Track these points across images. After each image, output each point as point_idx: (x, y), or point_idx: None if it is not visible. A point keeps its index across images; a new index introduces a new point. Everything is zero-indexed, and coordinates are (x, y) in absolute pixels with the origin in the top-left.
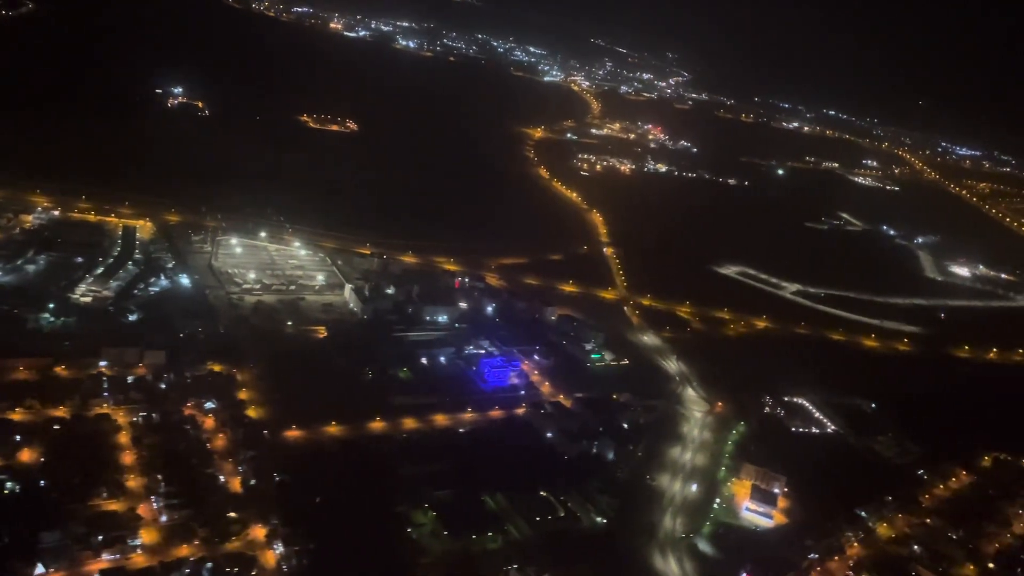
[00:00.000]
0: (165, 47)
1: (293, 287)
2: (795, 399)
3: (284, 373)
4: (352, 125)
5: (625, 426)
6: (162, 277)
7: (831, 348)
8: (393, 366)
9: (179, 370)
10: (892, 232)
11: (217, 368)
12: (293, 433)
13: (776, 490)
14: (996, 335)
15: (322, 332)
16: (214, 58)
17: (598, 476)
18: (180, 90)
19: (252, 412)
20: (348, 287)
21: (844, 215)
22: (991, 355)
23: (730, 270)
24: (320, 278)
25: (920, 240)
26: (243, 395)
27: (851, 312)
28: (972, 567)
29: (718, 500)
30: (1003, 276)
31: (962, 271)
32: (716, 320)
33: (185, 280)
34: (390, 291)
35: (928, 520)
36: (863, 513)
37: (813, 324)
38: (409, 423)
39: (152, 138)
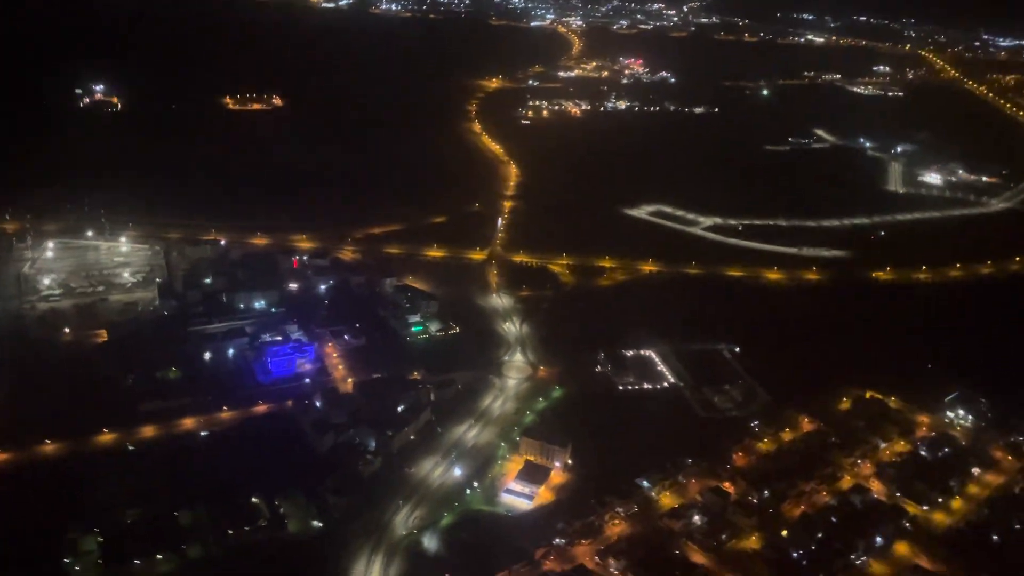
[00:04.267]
0: (99, 41)
1: (101, 288)
2: (642, 352)
3: (26, 388)
4: (277, 101)
5: (400, 409)
6: None
7: (720, 287)
8: (164, 366)
9: None
10: (868, 145)
11: None
12: None
13: (557, 465)
14: (938, 250)
15: (103, 336)
16: (158, 43)
17: (344, 470)
18: (100, 87)
19: None
20: (157, 282)
21: (818, 132)
22: (920, 275)
23: (643, 211)
24: (131, 276)
25: (898, 150)
26: None
27: (768, 243)
28: (756, 537)
29: (476, 484)
30: (984, 179)
31: (934, 180)
32: (594, 270)
33: None
34: (208, 280)
35: (727, 484)
36: (644, 483)
37: (712, 262)
38: (149, 431)
39: (36, 142)
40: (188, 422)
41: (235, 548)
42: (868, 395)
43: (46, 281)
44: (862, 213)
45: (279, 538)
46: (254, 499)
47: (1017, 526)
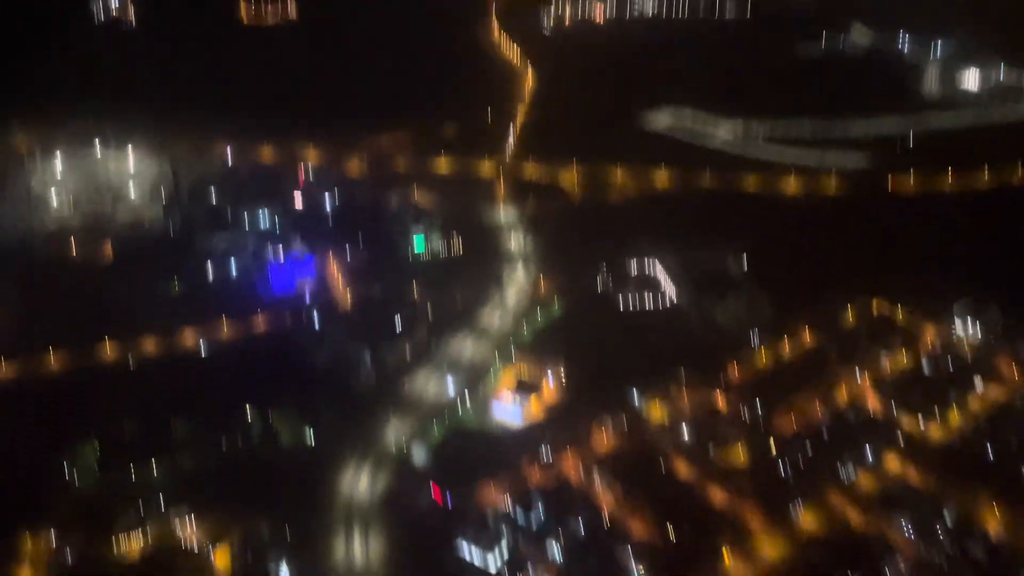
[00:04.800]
0: None
1: (109, 203)
2: (646, 265)
3: (33, 303)
4: (292, 7)
5: (396, 324)
6: None
7: (734, 197)
8: (167, 281)
9: None
10: (907, 42)
11: None
12: (3, 369)
13: (549, 380)
14: (968, 156)
15: (108, 251)
16: None
17: (338, 385)
18: (116, 2)
19: None
20: (162, 196)
21: (857, 28)
22: (947, 182)
23: (662, 119)
24: (138, 191)
25: (939, 47)
26: None
27: (789, 150)
28: (744, 451)
29: (467, 399)
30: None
31: (972, 80)
32: (604, 182)
33: None
34: (213, 194)
35: (719, 397)
36: (635, 397)
37: (728, 171)
38: (150, 345)
39: (49, 56)
40: (188, 336)
41: (227, 459)
42: (875, 305)
43: (54, 197)
44: (892, 117)
45: (270, 450)
46: (248, 412)
47: (1013, 440)
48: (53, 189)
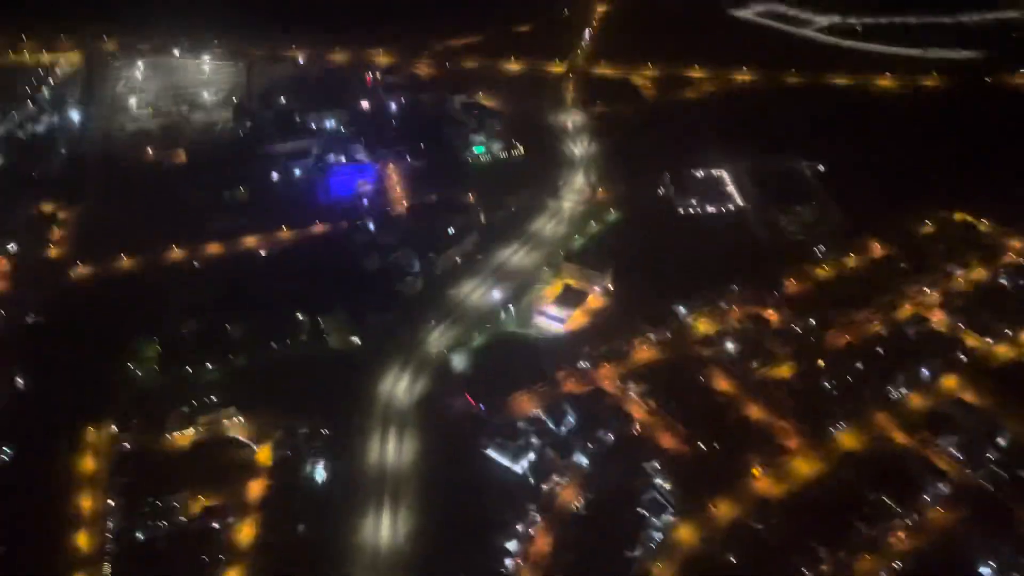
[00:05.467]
0: None
1: (185, 108)
2: (713, 172)
3: (111, 207)
4: None
5: (449, 231)
6: (55, 114)
7: (821, 97)
8: (233, 186)
9: None
10: None
11: (46, 208)
12: (81, 270)
13: (596, 289)
14: None
15: (181, 156)
16: None
17: (387, 290)
18: None
19: (52, 252)
20: (233, 101)
21: None
22: None
23: (752, 10)
24: (212, 96)
25: None
26: (55, 234)
27: (890, 44)
28: (789, 366)
29: (512, 307)
30: None
31: None
32: (681, 82)
33: (74, 115)
34: (282, 99)
35: (770, 311)
36: (681, 309)
37: (817, 68)
38: (214, 248)
39: None
40: (250, 240)
41: (277, 359)
42: (958, 217)
43: (134, 101)
44: (1012, 6)
45: (319, 352)
46: (299, 315)
47: None
48: (135, 94)
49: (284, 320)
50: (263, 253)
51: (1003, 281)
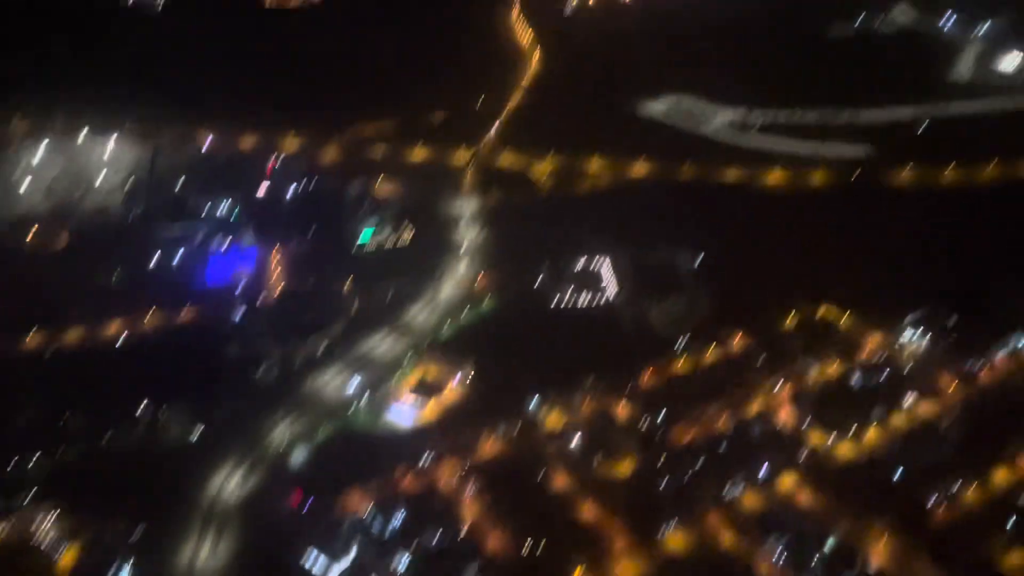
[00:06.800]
0: None
1: (79, 191)
2: (594, 262)
3: None
4: None
5: (316, 318)
6: None
7: (710, 191)
8: (110, 271)
9: None
10: (950, 21)
11: None
12: None
13: (455, 380)
14: (979, 148)
15: (64, 240)
16: None
17: (239, 379)
18: None
19: None
20: (127, 184)
21: (901, 6)
22: (948, 177)
23: (660, 105)
24: (109, 178)
25: (984, 27)
26: None
27: (786, 140)
28: (630, 463)
29: (366, 398)
30: None
31: (1012, 64)
32: (579, 173)
33: None
34: (179, 182)
35: (622, 405)
36: (535, 401)
37: (712, 163)
38: (74, 335)
39: (70, 41)
40: (113, 326)
41: (109, 453)
42: (821, 311)
43: (27, 184)
44: (909, 104)
45: (155, 445)
46: (142, 405)
47: (928, 461)
48: (29, 176)
49: (127, 410)
50: (123, 339)
51: (855, 378)
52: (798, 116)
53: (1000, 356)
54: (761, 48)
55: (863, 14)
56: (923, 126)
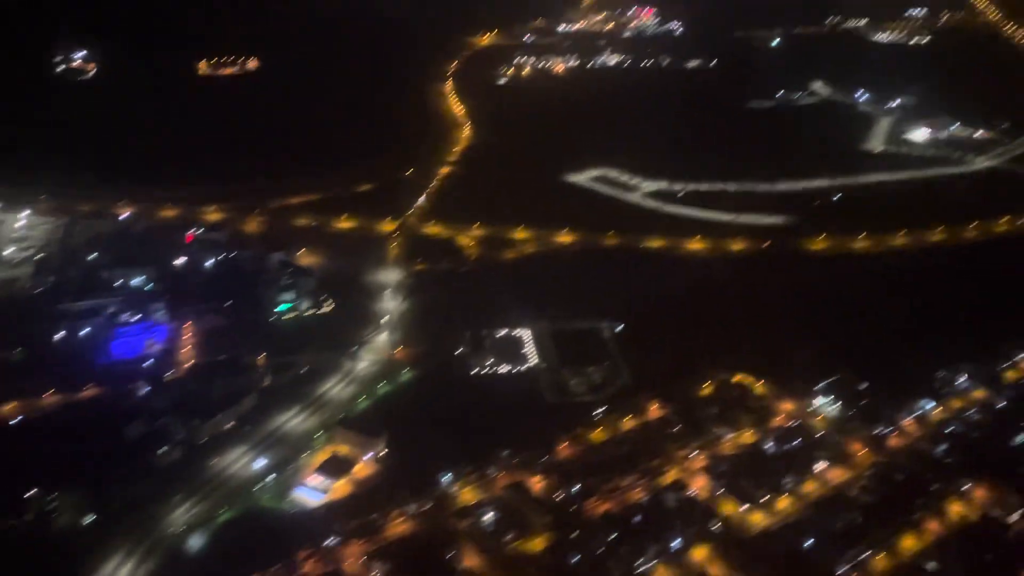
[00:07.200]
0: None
1: None
2: (515, 331)
3: None
4: (253, 64)
5: (224, 394)
6: None
7: (633, 259)
8: (12, 347)
9: None
10: (863, 98)
11: None
12: None
13: (366, 457)
14: (890, 216)
15: None
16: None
17: (140, 461)
18: (82, 53)
19: None
20: (35, 258)
21: (816, 85)
22: (860, 244)
23: (586, 176)
24: (20, 252)
25: (894, 104)
26: None
27: (707, 209)
28: (543, 538)
29: (272, 477)
30: (976, 135)
31: (921, 136)
32: (504, 242)
33: None
34: (92, 255)
35: (537, 478)
36: (447, 477)
37: (635, 231)
38: None
39: None
40: (10, 407)
41: None
42: (736, 379)
43: None
44: (825, 175)
45: (45, 532)
46: (32, 490)
47: (838, 529)
48: None
49: (10, 497)
50: (19, 419)
51: (769, 445)
52: (719, 186)
53: (908, 421)
54: (685, 121)
55: (782, 91)
56: (837, 196)
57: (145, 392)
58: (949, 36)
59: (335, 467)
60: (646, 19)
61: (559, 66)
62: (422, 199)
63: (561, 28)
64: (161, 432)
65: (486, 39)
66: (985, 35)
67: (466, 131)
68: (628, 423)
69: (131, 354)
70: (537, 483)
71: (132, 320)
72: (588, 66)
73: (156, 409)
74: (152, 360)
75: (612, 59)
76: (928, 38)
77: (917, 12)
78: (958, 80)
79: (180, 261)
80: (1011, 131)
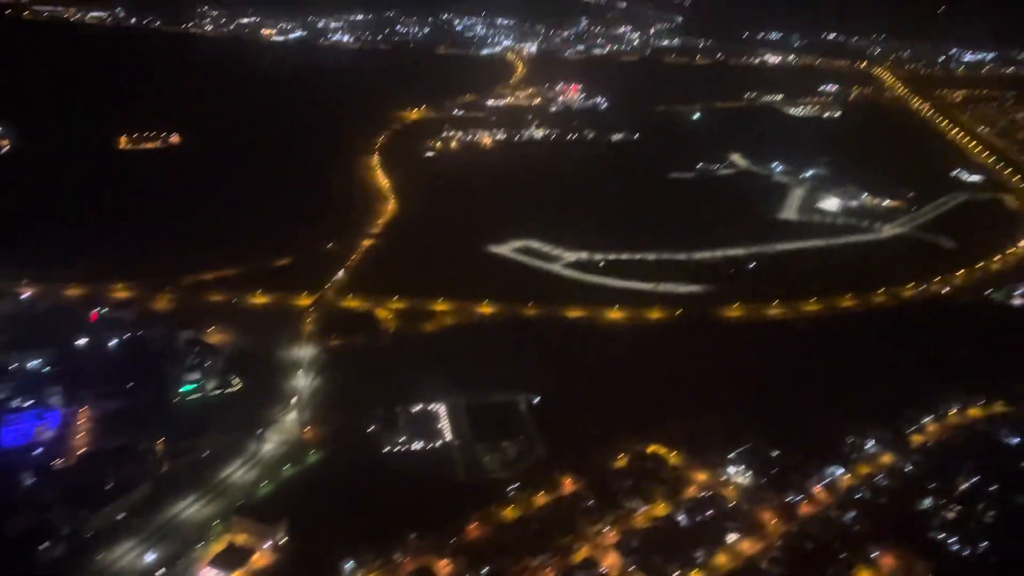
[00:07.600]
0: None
1: None
2: (430, 407)
3: None
4: (175, 139)
5: (115, 483)
6: None
7: (552, 329)
8: None
9: None
10: (777, 169)
11: None
12: None
13: (265, 545)
14: (802, 283)
15: None
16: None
17: (20, 557)
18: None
19: None
20: None
21: (733, 157)
22: (773, 311)
23: (509, 247)
24: None
25: (807, 174)
26: None
27: (627, 278)
28: None
29: (162, 572)
30: (886, 203)
31: (832, 205)
32: (423, 314)
33: None
34: None
35: (444, 561)
36: (349, 565)
37: (554, 302)
38: None
39: None
40: None
41: None
42: (651, 449)
43: None
44: (740, 244)
45: None
46: None
47: None
48: None
49: None
50: None
51: (681, 516)
52: (639, 256)
53: (818, 488)
54: (608, 192)
55: (701, 163)
56: (752, 264)
57: (31, 483)
58: (859, 110)
59: (231, 558)
60: (572, 94)
61: (487, 139)
62: (341, 272)
63: (490, 103)
64: (45, 525)
65: (416, 113)
66: (892, 109)
67: (391, 203)
68: (541, 499)
69: (20, 442)
70: (444, 567)
71: (24, 405)
72: (515, 139)
73: (41, 501)
74: (42, 448)
75: (539, 133)
76: (840, 112)
77: (830, 87)
78: (867, 151)
79: (83, 341)
80: (916, 199)
